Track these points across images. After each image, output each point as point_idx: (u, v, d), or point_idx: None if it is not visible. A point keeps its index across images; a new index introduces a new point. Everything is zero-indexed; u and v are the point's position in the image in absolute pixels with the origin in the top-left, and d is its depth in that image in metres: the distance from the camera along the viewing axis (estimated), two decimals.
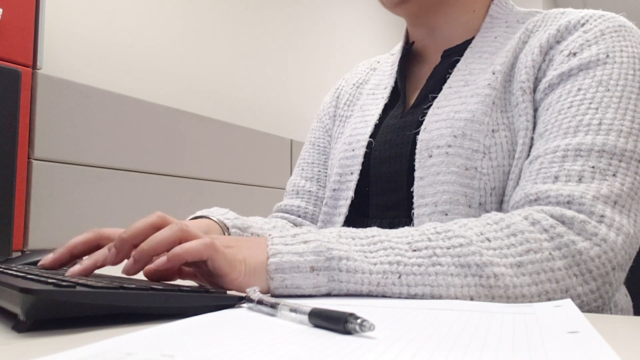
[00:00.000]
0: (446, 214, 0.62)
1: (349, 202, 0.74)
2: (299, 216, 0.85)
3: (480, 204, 0.62)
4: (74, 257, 0.55)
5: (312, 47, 2.94)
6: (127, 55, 1.89)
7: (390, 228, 0.62)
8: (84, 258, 0.50)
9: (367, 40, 3.52)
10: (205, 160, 1.83)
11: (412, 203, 0.66)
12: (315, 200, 0.85)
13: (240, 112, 2.38)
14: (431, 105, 0.70)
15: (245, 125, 2.14)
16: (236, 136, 1.98)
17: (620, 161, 0.54)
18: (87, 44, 1.75)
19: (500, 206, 0.62)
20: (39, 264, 0.56)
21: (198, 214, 0.70)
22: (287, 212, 0.86)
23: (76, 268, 0.48)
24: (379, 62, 0.90)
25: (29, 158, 1.30)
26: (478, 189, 0.62)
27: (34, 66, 1.29)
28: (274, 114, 2.60)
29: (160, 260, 0.45)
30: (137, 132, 1.58)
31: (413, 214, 0.65)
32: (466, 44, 0.74)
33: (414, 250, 0.49)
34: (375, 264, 0.48)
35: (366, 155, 0.74)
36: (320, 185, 0.86)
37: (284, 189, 0.92)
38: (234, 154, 1.96)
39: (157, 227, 0.48)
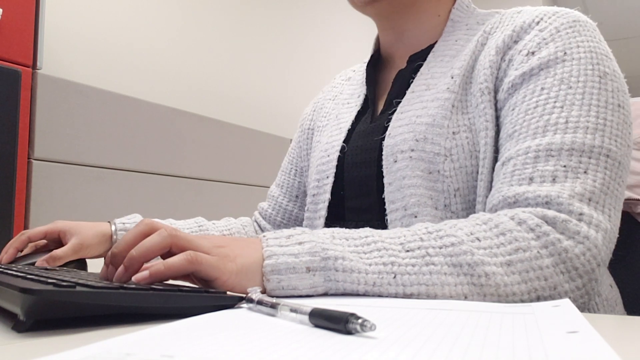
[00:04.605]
0: (415, 217, 0.64)
1: (327, 204, 0.76)
2: (264, 218, 0.95)
3: (445, 205, 0.63)
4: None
5: (312, 47, 2.94)
6: (127, 55, 1.89)
7: None
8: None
9: (366, 41, 3.52)
10: (205, 160, 1.83)
11: (385, 209, 0.67)
12: (275, 204, 0.94)
13: (240, 112, 2.38)
14: (395, 110, 0.71)
15: (245, 125, 2.14)
16: (236, 136, 1.98)
17: (589, 158, 0.55)
18: (87, 44, 1.75)
19: (465, 206, 0.63)
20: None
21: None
22: (260, 213, 0.97)
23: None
24: (354, 71, 0.93)
25: (29, 158, 1.29)
26: (442, 191, 0.63)
27: (34, 66, 1.29)
28: (274, 114, 2.60)
29: (142, 275, 0.44)
30: (137, 132, 1.58)
31: (387, 220, 0.67)
32: (430, 48, 0.75)
33: (407, 251, 0.50)
34: (370, 265, 0.49)
35: (340, 160, 0.76)
36: (282, 192, 0.94)
37: None
38: (234, 154, 1.96)
39: (146, 235, 0.48)
